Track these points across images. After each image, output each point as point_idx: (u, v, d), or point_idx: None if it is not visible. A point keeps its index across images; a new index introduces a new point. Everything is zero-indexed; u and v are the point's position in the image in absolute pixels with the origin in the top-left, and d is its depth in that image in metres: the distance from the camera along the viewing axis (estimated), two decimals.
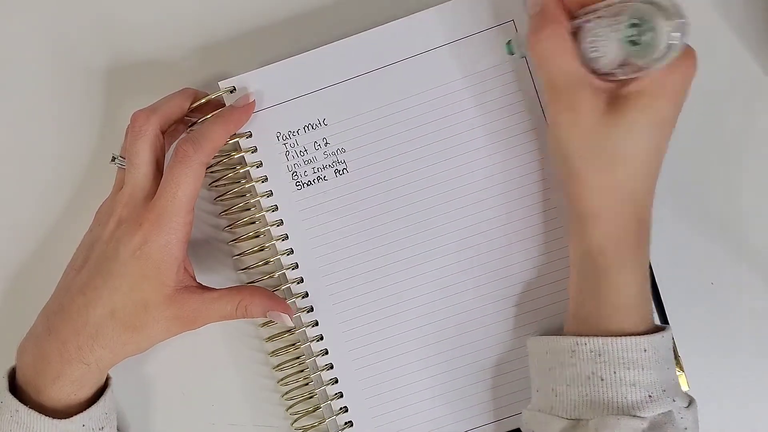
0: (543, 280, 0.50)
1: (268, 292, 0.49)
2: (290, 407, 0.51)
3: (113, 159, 0.49)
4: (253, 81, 0.49)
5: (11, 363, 0.48)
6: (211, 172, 0.51)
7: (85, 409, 0.47)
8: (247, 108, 0.49)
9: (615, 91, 0.42)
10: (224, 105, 0.49)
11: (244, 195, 0.51)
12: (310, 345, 0.50)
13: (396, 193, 0.50)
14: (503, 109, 0.49)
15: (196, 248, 0.52)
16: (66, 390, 0.46)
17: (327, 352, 0.50)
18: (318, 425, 0.51)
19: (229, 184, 0.51)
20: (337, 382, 0.50)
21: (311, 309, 0.50)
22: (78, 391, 0.46)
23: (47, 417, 0.45)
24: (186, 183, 0.45)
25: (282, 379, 0.51)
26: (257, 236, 0.51)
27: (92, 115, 0.53)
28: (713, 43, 0.52)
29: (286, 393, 0.51)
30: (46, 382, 0.46)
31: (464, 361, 0.50)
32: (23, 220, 0.53)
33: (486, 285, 0.50)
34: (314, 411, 0.51)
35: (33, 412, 0.45)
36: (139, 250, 0.45)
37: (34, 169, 0.53)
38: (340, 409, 0.50)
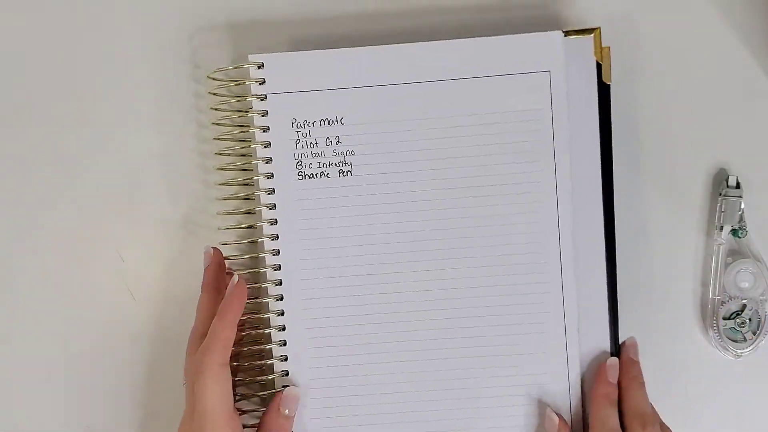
0: (539, 307, 0.50)
1: None
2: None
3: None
4: (283, 61, 0.49)
5: None
6: (217, 140, 0.51)
7: None
8: (238, 291, 0.48)
9: None
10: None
11: (245, 170, 0.51)
12: (272, 342, 0.50)
13: (394, 208, 0.49)
14: (521, 154, 0.49)
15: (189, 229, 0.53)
16: None
17: (285, 350, 0.50)
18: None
19: (234, 155, 0.51)
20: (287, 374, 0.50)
21: (281, 298, 0.50)
22: None
23: None
24: (211, 392, 0.45)
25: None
26: (249, 213, 0.51)
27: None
28: (713, 43, 0.53)
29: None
30: None
31: (448, 375, 0.50)
32: None
33: (473, 299, 0.49)
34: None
35: None
36: None
37: None
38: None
